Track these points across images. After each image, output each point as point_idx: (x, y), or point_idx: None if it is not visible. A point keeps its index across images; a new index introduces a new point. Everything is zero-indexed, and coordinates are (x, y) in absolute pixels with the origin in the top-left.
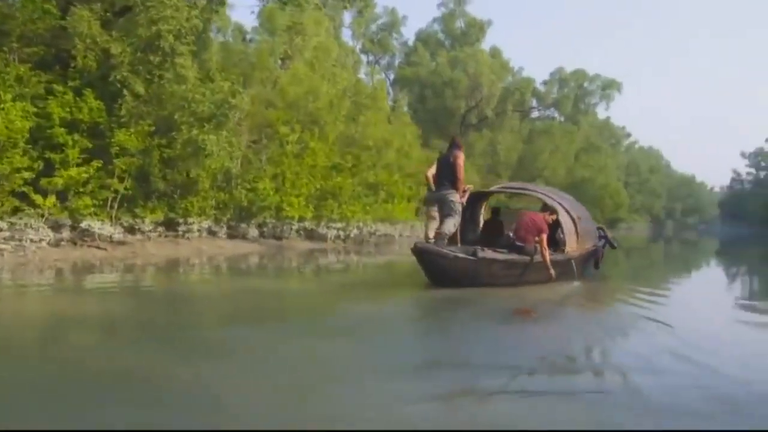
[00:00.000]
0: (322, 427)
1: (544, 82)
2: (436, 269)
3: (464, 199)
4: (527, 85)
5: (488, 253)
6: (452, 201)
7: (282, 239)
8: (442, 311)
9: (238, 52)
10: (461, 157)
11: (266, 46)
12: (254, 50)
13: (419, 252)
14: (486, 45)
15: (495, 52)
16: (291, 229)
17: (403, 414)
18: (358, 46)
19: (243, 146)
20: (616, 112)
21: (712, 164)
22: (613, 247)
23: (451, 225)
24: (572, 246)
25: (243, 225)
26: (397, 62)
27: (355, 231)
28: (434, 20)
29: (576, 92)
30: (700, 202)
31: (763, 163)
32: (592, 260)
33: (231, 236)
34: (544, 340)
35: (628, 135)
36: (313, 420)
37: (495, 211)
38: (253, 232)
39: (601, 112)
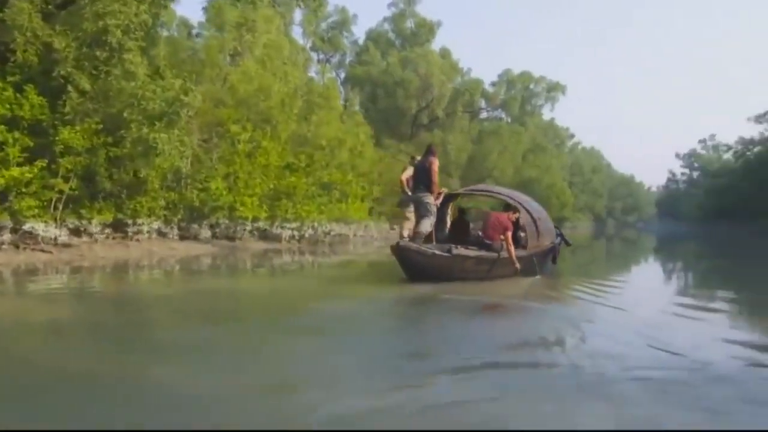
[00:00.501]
0: (287, 427)
1: (493, 84)
2: (415, 266)
3: (438, 201)
4: (476, 86)
5: (461, 251)
6: (428, 203)
7: (235, 240)
8: (414, 308)
9: (186, 47)
10: (436, 163)
11: (215, 42)
12: (203, 46)
13: (400, 250)
14: (436, 46)
15: (445, 53)
16: (244, 229)
17: (365, 410)
18: (309, 44)
19: (194, 145)
20: (561, 113)
21: (649, 165)
22: (568, 244)
23: (428, 225)
24: (533, 243)
25: (195, 226)
26: (347, 61)
27: (310, 231)
28: (385, 20)
29: (523, 94)
30: (638, 201)
31: (696, 164)
32: (550, 256)
33: (183, 237)
34: (512, 331)
35: (572, 136)
36: (279, 418)
37: (461, 212)
38: (206, 232)
39: (547, 114)
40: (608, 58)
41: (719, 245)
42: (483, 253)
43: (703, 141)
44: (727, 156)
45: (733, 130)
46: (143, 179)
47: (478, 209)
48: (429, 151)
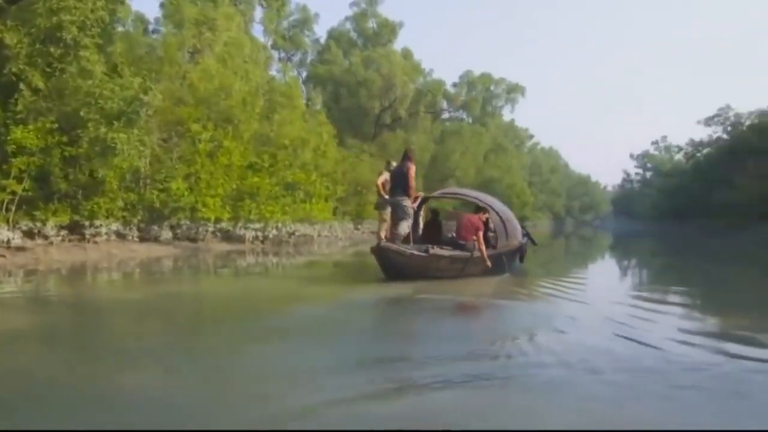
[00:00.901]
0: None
1: (454, 85)
2: (394, 265)
3: (415, 204)
4: (438, 87)
5: (437, 251)
6: (405, 206)
7: (197, 241)
8: (390, 308)
9: (143, 44)
10: (413, 168)
11: (174, 39)
12: (161, 43)
13: (381, 251)
14: (397, 46)
15: (407, 54)
16: (207, 230)
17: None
18: (270, 43)
19: (154, 144)
20: (520, 114)
21: (605, 165)
22: (534, 243)
23: (405, 227)
24: (502, 243)
25: (155, 227)
26: (309, 60)
27: (274, 232)
28: (346, 19)
29: (483, 95)
30: (595, 200)
31: (649, 165)
32: (518, 255)
33: (143, 239)
34: (485, 330)
35: (531, 136)
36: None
37: (434, 213)
38: (167, 234)
39: (507, 115)
40: (567, 61)
41: (671, 243)
42: (457, 252)
43: (655, 142)
44: (678, 157)
45: (684, 131)
46: (100, 180)
47: (444, 210)
48: (406, 157)
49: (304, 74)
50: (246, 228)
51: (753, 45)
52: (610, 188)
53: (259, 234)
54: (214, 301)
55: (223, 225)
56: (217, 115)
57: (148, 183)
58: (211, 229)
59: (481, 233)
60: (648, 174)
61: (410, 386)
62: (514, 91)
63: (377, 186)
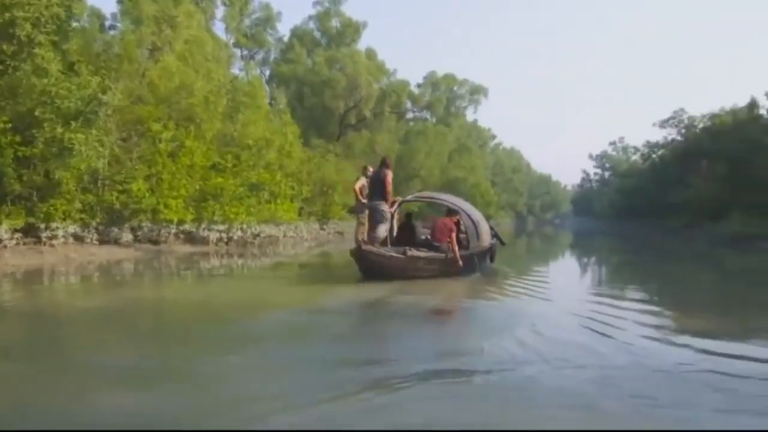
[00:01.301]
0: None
1: (418, 85)
2: (373, 266)
3: (393, 209)
4: (403, 87)
5: (414, 252)
6: (383, 210)
7: (160, 243)
8: (361, 311)
9: (101, 41)
10: (390, 175)
11: (133, 36)
12: (119, 40)
13: (362, 253)
14: (361, 46)
15: (371, 54)
16: (169, 232)
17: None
18: (231, 41)
19: (113, 144)
20: (483, 115)
21: (565, 165)
22: (503, 244)
23: (383, 230)
24: (474, 244)
25: (115, 229)
26: (272, 58)
27: (239, 233)
28: (310, 18)
29: (447, 95)
30: (555, 199)
31: (607, 165)
32: (488, 255)
33: (102, 242)
34: (459, 330)
35: (494, 137)
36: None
37: (408, 216)
38: (127, 236)
39: (470, 115)
40: (528, 63)
41: (629, 242)
42: (432, 254)
43: (613, 143)
44: (635, 158)
45: (641, 133)
46: (57, 181)
47: (413, 212)
48: (383, 164)
49: (268, 73)
50: (210, 229)
51: (708, 50)
52: (570, 188)
53: (224, 235)
54: (178, 306)
55: (186, 227)
56: (179, 114)
57: (107, 184)
58: (173, 230)
59: (454, 235)
60: (606, 174)
61: (386, 386)
62: (477, 92)
63: (355, 191)
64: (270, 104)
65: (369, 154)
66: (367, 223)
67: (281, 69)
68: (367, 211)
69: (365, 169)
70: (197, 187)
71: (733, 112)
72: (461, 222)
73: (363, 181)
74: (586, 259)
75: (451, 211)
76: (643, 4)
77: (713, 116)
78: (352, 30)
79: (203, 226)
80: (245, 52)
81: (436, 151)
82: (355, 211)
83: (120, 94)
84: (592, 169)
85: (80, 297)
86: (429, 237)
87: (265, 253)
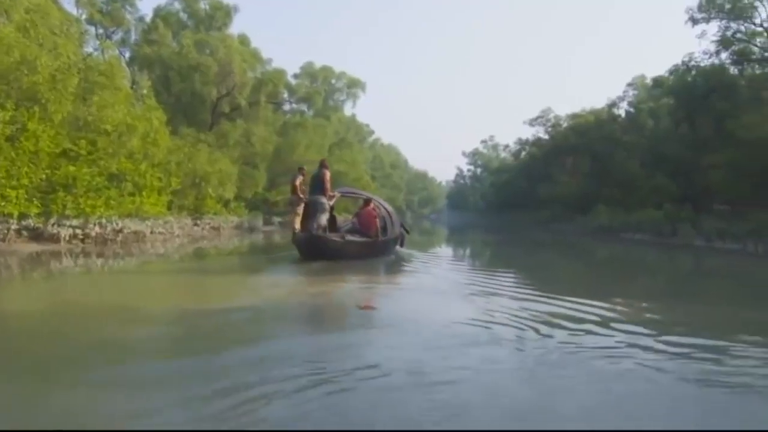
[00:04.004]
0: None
1: (295, 76)
2: (316, 249)
3: (333, 202)
4: (280, 76)
5: (351, 238)
6: (323, 203)
7: None
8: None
9: None
10: (328, 174)
11: None
12: None
13: (309, 237)
14: (233, 32)
15: (244, 40)
16: (9, 228)
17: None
18: (84, 16)
19: None
20: (361, 110)
21: (440, 161)
22: (407, 232)
23: (323, 219)
24: (390, 231)
25: None
26: (133, 39)
27: (97, 229)
28: None
29: (326, 88)
30: (432, 194)
31: (479, 162)
32: (398, 241)
33: None
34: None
35: (372, 132)
36: None
37: (331, 208)
38: None
39: (348, 110)
40: (402, 61)
41: (501, 233)
42: (365, 239)
43: (485, 141)
44: (505, 154)
45: (512, 131)
46: None
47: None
48: (322, 165)
49: (128, 55)
50: (61, 225)
51: (567, 55)
52: (444, 183)
53: (78, 232)
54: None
55: (31, 222)
56: (19, 93)
57: None
58: (14, 226)
59: (378, 221)
60: (478, 170)
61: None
62: (354, 85)
63: (293, 186)
64: (132, 89)
65: (245, 145)
66: (301, 214)
67: (143, 51)
68: (302, 204)
69: (300, 169)
70: (43, 176)
71: (595, 112)
72: (378, 213)
73: (300, 178)
74: (461, 250)
75: (366, 201)
76: (512, 12)
77: (576, 116)
78: (222, 13)
79: (52, 221)
80: (101, 31)
81: (316, 144)
82: (291, 203)
83: None
84: (466, 166)
85: None
86: (356, 224)
87: (129, 251)
